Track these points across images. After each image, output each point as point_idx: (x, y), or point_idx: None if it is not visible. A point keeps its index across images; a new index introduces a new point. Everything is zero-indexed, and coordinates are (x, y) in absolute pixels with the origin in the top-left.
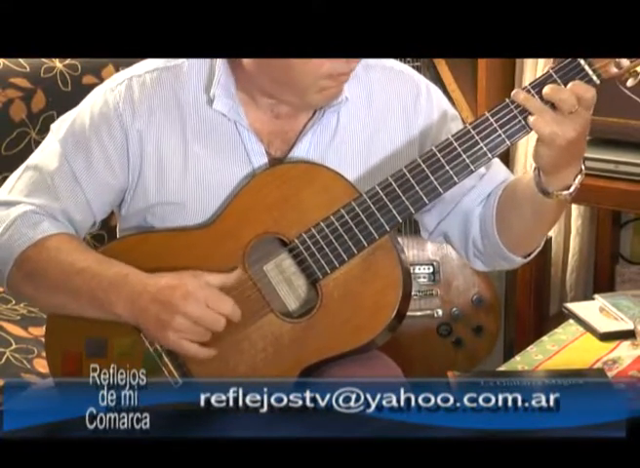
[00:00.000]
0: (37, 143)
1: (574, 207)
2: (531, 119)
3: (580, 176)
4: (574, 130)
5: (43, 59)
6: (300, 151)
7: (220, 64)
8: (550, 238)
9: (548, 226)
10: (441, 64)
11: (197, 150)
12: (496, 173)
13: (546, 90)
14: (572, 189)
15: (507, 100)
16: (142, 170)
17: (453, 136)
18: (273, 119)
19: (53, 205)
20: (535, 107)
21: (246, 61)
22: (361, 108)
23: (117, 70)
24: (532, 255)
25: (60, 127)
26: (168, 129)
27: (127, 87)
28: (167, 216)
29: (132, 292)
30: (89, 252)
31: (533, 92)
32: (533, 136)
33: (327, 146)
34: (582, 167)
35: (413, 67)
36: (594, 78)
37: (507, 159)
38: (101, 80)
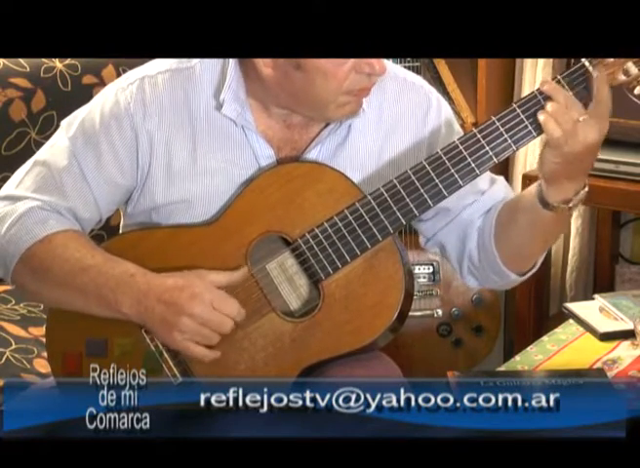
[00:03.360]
0: (37, 143)
1: None
2: (541, 118)
3: (581, 193)
4: (589, 137)
5: (43, 59)
6: (310, 158)
7: (232, 70)
8: None
9: (545, 241)
10: (441, 64)
11: (206, 152)
12: (498, 189)
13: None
14: (571, 204)
15: (514, 105)
16: (151, 170)
17: (459, 139)
18: (284, 128)
19: (60, 202)
20: (561, 97)
21: (265, 75)
22: (372, 118)
23: (117, 70)
24: (527, 275)
25: (70, 124)
26: (178, 130)
27: (138, 87)
28: (173, 216)
29: (138, 292)
30: (95, 249)
31: (539, 97)
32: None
33: (336, 155)
34: (586, 184)
35: (413, 67)
36: None
37: (507, 159)
38: (101, 80)
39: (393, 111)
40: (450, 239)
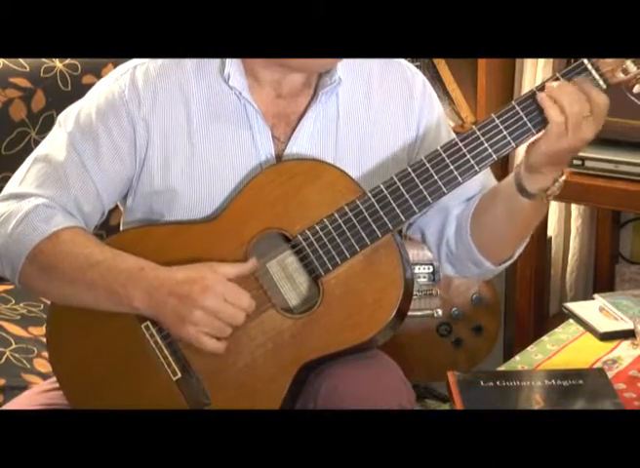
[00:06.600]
0: (37, 143)
1: (574, 207)
2: (552, 114)
3: (560, 181)
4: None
5: (43, 59)
6: (303, 135)
7: None
8: (550, 238)
9: (522, 229)
10: (441, 64)
11: (203, 134)
12: (479, 180)
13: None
14: (549, 192)
15: (513, 103)
16: (148, 155)
17: (458, 136)
18: (276, 99)
19: (63, 196)
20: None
21: None
22: (360, 92)
23: None
24: (503, 265)
25: (67, 118)
26: (173, 114)
27: (131, 75)
28: (173, 203)
29: (149, 286)
30: (103, 245)
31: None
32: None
33: (329, 130)
34: (563, 173)
35: None
36: (601, 83)
37: (507, 158)
38: None
39: (380, 84)
40: (429, 225)
